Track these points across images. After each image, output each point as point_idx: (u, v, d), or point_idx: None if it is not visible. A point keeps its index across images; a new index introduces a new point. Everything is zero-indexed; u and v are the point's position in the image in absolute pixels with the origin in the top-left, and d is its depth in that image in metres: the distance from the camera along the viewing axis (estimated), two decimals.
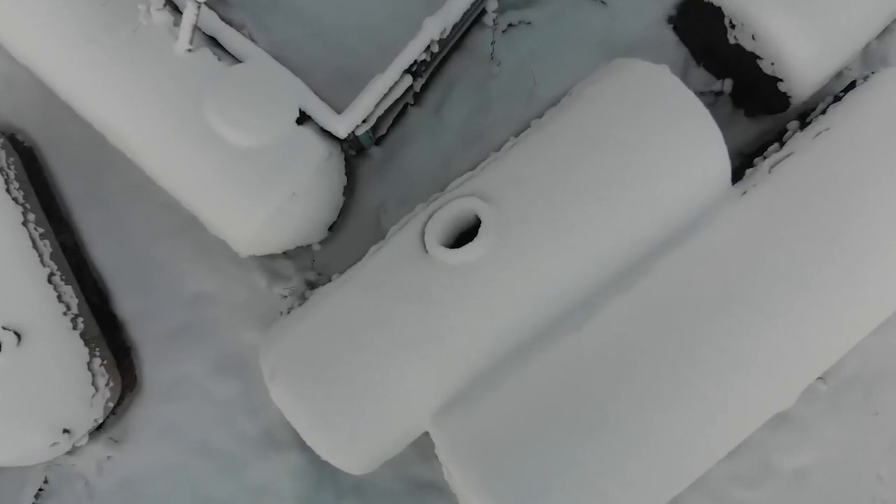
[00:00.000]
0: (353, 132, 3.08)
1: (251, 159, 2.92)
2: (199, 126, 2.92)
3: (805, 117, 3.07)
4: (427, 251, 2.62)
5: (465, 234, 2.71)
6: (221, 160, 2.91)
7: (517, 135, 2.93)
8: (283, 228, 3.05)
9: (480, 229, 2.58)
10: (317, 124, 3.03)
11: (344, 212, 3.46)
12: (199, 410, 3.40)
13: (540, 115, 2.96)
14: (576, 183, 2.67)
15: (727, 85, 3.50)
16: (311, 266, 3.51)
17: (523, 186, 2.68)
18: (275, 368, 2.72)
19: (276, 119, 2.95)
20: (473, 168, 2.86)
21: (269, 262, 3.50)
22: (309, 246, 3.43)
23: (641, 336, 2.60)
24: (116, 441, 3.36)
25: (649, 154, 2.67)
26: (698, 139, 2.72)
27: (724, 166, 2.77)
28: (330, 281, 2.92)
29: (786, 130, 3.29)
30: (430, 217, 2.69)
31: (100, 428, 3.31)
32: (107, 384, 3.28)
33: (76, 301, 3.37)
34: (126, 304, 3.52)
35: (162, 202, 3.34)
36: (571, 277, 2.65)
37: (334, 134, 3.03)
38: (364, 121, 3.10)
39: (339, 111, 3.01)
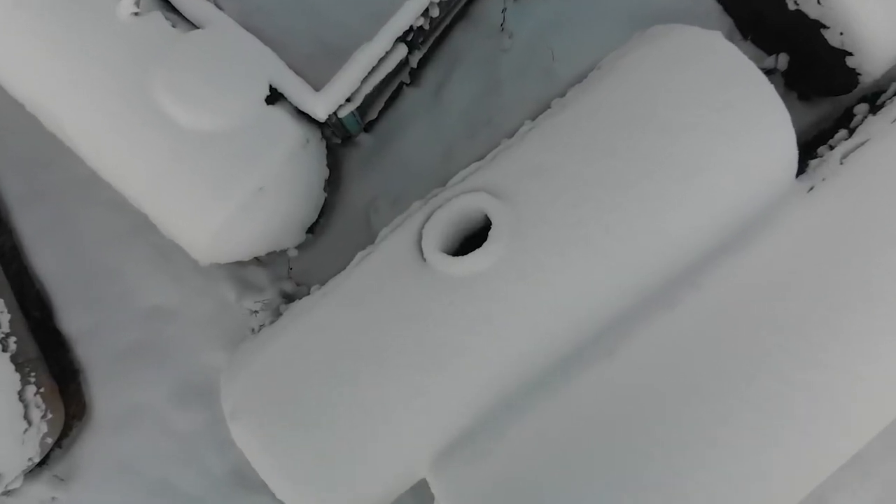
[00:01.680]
0: (335, 114, 2.83)
1: (209, 146, 2.65)
2: (145, 106, 2.66)
3: (874, 100, 2.93)
4: (425, 259, 2.38)
5: (471, 239, 2.47)
6: (173, 148, 2.65)
7: (534, 118, 2.68)
8: (248, 231, 2.78)
9: (490, 232, 2.33)
10: (291, 104, 2.79)
11: (326, 211, 3.25)
12: (157, 445, 3.19)
13: (562, 94, 2.71)
14: (609, 174, 2.37)
15: (782, 61, 3.18)
16: (288, 275, 3.29)
17: (543, 179, 2.41)
18: (237, 404, 2.45)
19: (239, 97, 2.68)
20: (481, 158, 2.63)
21: (238, 270, 3.28)
22: (284, 251, 3.19)
23: (688, 367, 2.31)
24: (62, 479, 3.17)
25: (701, 138, 2.36)
26: (761, 121, 2.41)
27: (791, 155, 2.48)
28: (308, 294, 2.70)
29: (851, 115, 3.03)
30: (428, 217, 2.45)
31: (42, 464, 3.20)
32: (44, 416, 3.04)
33: (7, 317, 3.06)
34: (72, 320, 3.30)
35: (114, 200, 3.12)
36: (603, 292, 2.38)
37: (312, 116, 2.79)
38: (348, 100, 2.85)
39: (319, 89, 2.76)
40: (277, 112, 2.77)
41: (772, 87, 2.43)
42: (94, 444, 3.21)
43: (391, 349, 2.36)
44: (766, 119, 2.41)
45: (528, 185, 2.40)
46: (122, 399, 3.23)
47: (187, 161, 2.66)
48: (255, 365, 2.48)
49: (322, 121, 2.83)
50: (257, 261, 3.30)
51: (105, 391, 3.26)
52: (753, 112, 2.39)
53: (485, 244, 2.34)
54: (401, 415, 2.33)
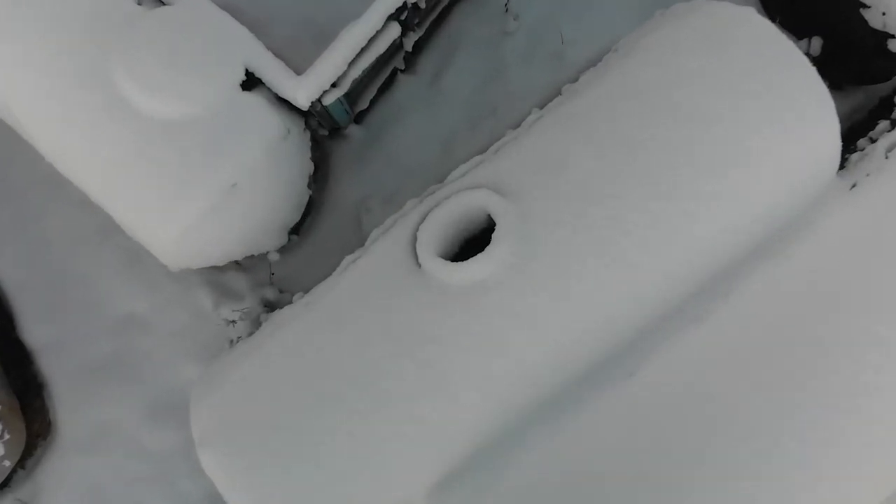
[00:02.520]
0: (319, 101, 2.69)
1: (175, 138, 2.52)
2: (104, 91, 2.51)
3: None
4: (420, 265, 2.24)
5: (472, 243, 2.34)
6: (134, 139, 2.51)
7: (543, 107, 2.57)
8: (221, 233, 2.65)
9: (495, 235, 2.19)
10: (270, 91, 2.68)
11: (313, 210, 3.17)
12: (128, 467, 3.11)
13: (574, 80, 2.58)
14: (631, 169, 2.20)
15: (814, 46, 3.07)
16: (270, 281, 3.19)
17: (555, 174, 2.25)
18: (206, 431, 2.30)
19: (210, 82, 2.54)
20: (484, 151, 2.53)
21: (215, 276, 3.21)
22: (264, 255, 3.11)
23: (720, 390, 2.17)
24: None
25: (736, 129, 2.20)
26: (803, 109, 2.26)
27: (834, 149, 2.33)
28: (290, 303, 2.57)
29: (892, 105, 2.90)
30: (423, 217, 2.32)
31: (3, 487, 3.09)
32: (1, 437, 2.90)
33: None
34: (36, 330, 3.23)
35: (81, 199, 2.99)
36: (622, 305, 2.21)
37: (294, 104, 2.66)
38: (334, 85, 2.71)
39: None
40: (254, 99, 2.64)
41: (814, 70, 2.29)
42: (59, 466, 3.12)
43: (381, 369, 2.20)
44: (808, 107, 2.26)
45: (536, 180, 2.25)
46: (90, 416, 3.15)
47: (151, 154, 2.53)
48: (227, 386, 2.33)
49: (305, 109, 2.71)
50: (237, 265, 3.21)
51: (71, 408, 3.17)
52: (794, 99, 2.24)
53: (488, 248, 2.18)
54: (392, 446, 2.17)
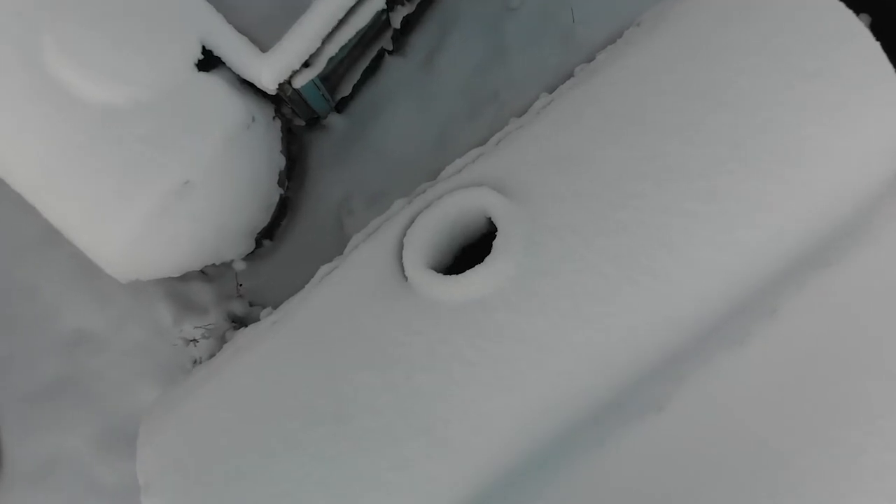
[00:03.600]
0: (289, 83, 2.49)
1: (117, 127, 2.33)
2: (34, 73, 2.33)
3: None
4: (407, 278, 2.10)
5: (470, 252, 2.26)
6: (70, 129, 2.33)
7: (552, 91, 2.46)
8: (173, 239, 2.46)
9: (496, 242, 2.06)
10: (232, 72, 2.48)
11: (288, 212, 3.04)
12: (80, 502, 2.95)
13: (590, 59, 2.45)
14: (663, 164, 2.04)
15: (863, 22, 2.83)
16: (237, 293, 3.00)
17: (569, 169, 2.10)
18: (152, 476, 2.11)
19: (159, 61, 2.35)
20: (484, 143, 2.40)
21: (177, 287, 3.05)
22: (230, 263, 2.91)
23: (764, 424, 2.02)
24: None
25: (788, 115, 2.03)
26: (866, 92, 2.07)
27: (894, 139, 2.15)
28: (258, 321, 2.43)
29: None
30: (412, 220, 2.20)
31: None
32: None
33: None
34: None
35: (23, 201, 2.77)
36: (651, 326, 2.06)
37: (260, 87, 2.48)
38: (307, 64, 2.49)
39: None
40: (212, 82, 2.44)
41: (878, 46, 2.12)
42: (4, 501, 2.99)
43: (359, 404, 2.03)
44: (872, 90, 2.09)
45: (547, 177, 2.10)
46: (39, 447, 3.00)
47: (89, 147, 2.34)
48: (178, 422, 2.17)
49: (272, 92, 2.49)
50: (202, 274, 3.07)
51: (18, 436, 3.02)
52: (856, 81, 2.06)
53: (488, 258, 2.03)
54: (372, 497, 1.99)
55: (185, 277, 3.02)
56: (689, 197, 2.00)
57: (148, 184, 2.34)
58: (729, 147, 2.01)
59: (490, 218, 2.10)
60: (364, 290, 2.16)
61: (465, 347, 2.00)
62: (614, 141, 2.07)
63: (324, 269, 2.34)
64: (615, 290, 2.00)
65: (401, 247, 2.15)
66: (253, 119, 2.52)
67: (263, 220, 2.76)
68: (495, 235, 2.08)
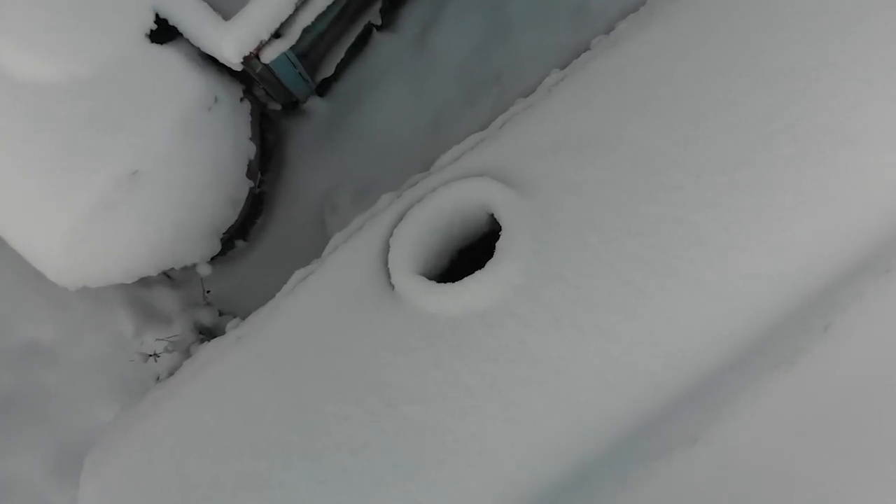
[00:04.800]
0: (256, 57, 2.28)
1: (55, 109, 2.11)
2: None
3: None
4: (393, 286, 1.89)
5: (468, 255, 2.06)
6: (1, 111, 2.13)
7: (565, 66, 2.28)
8: (120, 239, 2.24)
9: (499, 244, 1.82)
10: (191, 45, 2.28)
11: (264, 208, 2.86)
12: None
13: (608, 30, 2.29)
14: (701, 147, 1.79)
15: None
16: (205, 300, 2.78)
17: (590, 154, 1.87)
18: None
19: (104, 33, 2.12)
20: (485, 128, 2.23)
21: (139, 293, 2.87)
22: (193, 267, 2.67)
23: (813, 458, 1.83)
24: None
25: (854, 88, 1.77)
26: None
27: None
28: (223, 334, 2.26)
29: None
30: (400, 218, 2.00)
31: None
32: None
33: None
34: None
35: None
36: (682, 340, 1.80)
37: (223, 62, 2.28)
38: (278, 35, 2.27)
39: None
40: (167, 56, 2.22)
41: None
42: None
43: (335, 438, 1.81)
44: None
45: (560, 164, 1.88)
46: None
47: (22, 132, 2.11)
48: (126, 458, 1.97)
49: (237, 68, 2.28)
50: (167, 279, 2.84)
51: None
52: None
53: (490, 262, 1.81)
54: None
55: (148, 283, 2.84)
56: (733, 188, 1.74)
57: (89, 174, 2.14)
58: (780, 128, 1.76)
59: (492, 214, 1.89)
60: (342, 300, 1.95)
61: (462, 371, 1.76)
62: (642, 121, 1.84)
63: (298, 274, 2.16)
64: (642, 300, 1.76)
65: (387, 249, 1.94)
66: (216, 99, 2.30)
67: (230, 216, 2.53)
68: (499, 235, 1.86)
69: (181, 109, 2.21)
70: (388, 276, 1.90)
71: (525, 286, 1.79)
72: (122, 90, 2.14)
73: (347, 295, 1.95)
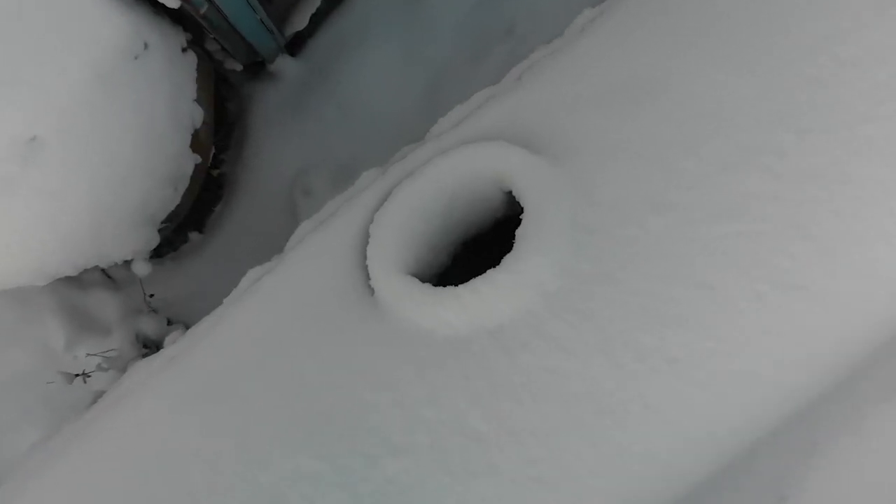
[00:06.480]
0: None
1: None
2: None
3: None
4: (372, 289, 1.51)
5: (475, 248, 1.68)
6: None
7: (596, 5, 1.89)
8: (16, 227, 1.78)
9: (520, 231, 1.41)
10: None
11: (225, 192, 2.52)
12: None
13: None
14: (803, 100, 1.30)
15: None
16: (147, 306, 2.41)
17: (641, 106, 1.42)
18: None
19: None
20: (496, 83, 1.82)
21: (74, 296, 2.52)
22: (127, 265, 2.24)
23: None
24: None
25: None
26: None
27: None
28: (160, 349, 1.86)
29: None
30: (385, 198, 1.64)
31: None
32: None
33: None
34: None
35: None
36: (772, 375, 1.33)
37: None
38: None
39: None
40: None
41: None
42: None
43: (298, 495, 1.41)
44: None
45: (603, 121, 1.47)
46: None
47: None
48: None
49: (173, 4, 1.85)
50: (107, 279, 2.44)
51: None
52: None
53: (507, 258, 1.41)
54: None
55: (83, 284, 2.46)
56: (853, 154, 1.24)
57: None
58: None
59: (510, 191, 1.49)
60: (305, 309, 1.55)
61: (468, 412, 1.31)
62: (720, 64, 1.37)
63: (251, 274, 1.79)
64: (730, 313, 1.29)
65: (366, 240, 1.56)
66: (145, 46, 1.83)
67: (170, 199, 2.04)
68: (519, 220, 1.44)
69: (97, 57, 1.76)
70: (367, 276, 1.51)
71: (559, 293, 1.35)
72: (16, 31, 1.66)
73: (311, 302, 1.55)
